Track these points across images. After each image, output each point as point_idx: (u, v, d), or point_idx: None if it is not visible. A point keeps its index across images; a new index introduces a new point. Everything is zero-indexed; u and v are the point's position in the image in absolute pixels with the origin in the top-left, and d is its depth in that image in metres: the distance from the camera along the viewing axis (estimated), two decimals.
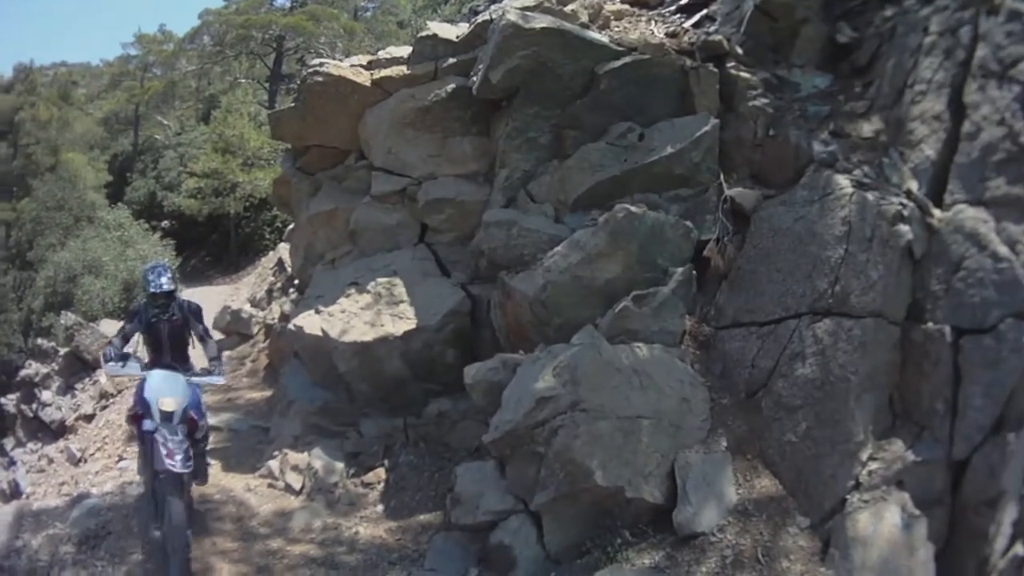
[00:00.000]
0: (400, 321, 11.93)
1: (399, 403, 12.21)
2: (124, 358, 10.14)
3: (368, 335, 11.92)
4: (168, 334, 10.46)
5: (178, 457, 9.19)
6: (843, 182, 9.69)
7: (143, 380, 9.93)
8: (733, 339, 9.94)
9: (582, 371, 9.03)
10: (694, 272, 10.35)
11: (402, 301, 12.20)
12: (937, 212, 9.38)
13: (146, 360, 10.51)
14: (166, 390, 9.69)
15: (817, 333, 9.15)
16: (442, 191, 12.72)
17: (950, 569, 8.72)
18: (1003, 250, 8.84)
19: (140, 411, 9.69)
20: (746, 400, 9.60)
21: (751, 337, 9.76)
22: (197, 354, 10.79)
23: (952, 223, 9.19)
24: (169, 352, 10.45)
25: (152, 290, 10.27)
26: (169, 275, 10.54)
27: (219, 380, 10.61)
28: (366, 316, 12.18)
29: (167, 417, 9.48)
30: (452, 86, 12.74)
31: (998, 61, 9.39)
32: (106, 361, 10.25)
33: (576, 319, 10.12)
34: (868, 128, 10.55)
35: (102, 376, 19.21)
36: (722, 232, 10.36)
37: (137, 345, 10.68)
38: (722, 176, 10.80)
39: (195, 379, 10.31)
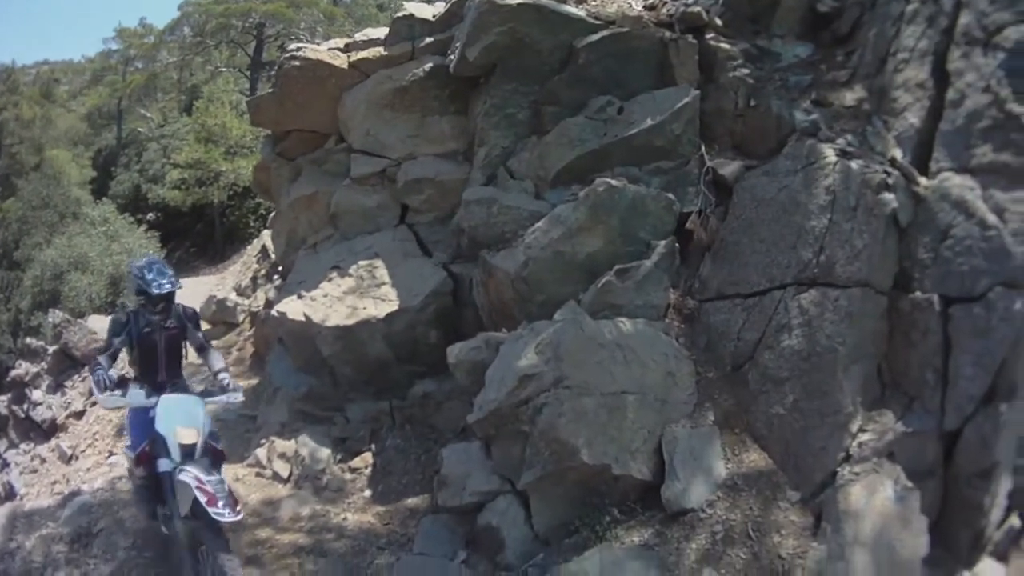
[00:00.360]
0: (382, 303, 11.84)
1: (384, 386, 12.13)
2: (121, 384, 8.57)
3: (350, 318, 11.81)
4: (165, 347, 9.02)
5: (222, 502, 7.75)
6: (826, 151, 9.61)
7: (147, 409, 8.44)
8: (718, 312, 9.84)
9: (565, 347, 8.92)
10: (677, 245, 10.23)
11: (384, 283, 12.11)
12: (923, 180, 9.32)
13: (133, 378, 9.07)
14: (181, 418, 8.30)
15: (803, 304, 9.07)
16: (421, 171, 12.65)
17: (944, 541, 8.70)
18: (991, 218, 8.80)
19: (151, 448, 8.37)
20: (732, 373, 9.51)
21: (736, 309, 9.66)
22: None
23: (938, 191, 9.14)
24: (164, 368, 9.07)
25: (154, 291, 8.71)
26: (171, 273, 9.02)
27: (239, 398, 9.03)
28: (348, 299, 12.09)
29: (188, 452, 8.16)
30: (429, 65, 12.69)
31: (982, 28, 9.34)
32: (100, 390, 8.44)
33: (558, 295, 10.01)
34: (851, 97, 10.48)
35: None
36: (704, 204, 10.29)
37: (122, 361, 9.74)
38: (703, 147, 10.72)
39: (211, 400, 8.85)
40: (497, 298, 10.81)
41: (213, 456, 8.49)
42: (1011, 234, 8.75)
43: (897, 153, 9.59)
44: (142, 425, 8.53)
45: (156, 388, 8.72)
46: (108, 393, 8.34)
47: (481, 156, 11.90)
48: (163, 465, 8.18)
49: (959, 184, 9.07)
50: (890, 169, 9.32)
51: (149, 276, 8.75)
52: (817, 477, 8.60)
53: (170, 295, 8.86)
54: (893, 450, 8.59)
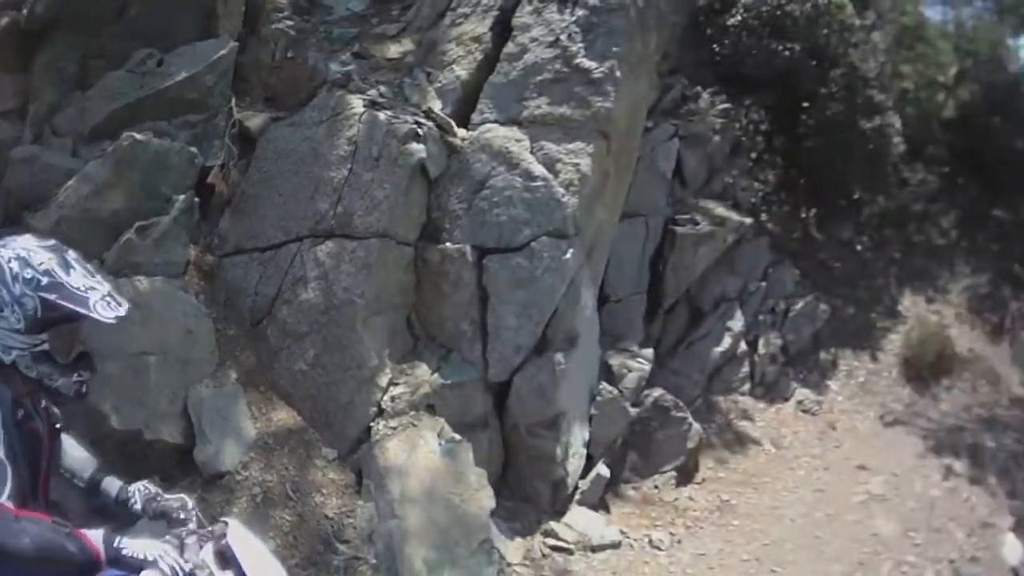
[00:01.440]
0: None
1: None
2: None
3: None
4: (49, 445, 4.35)
5: None
6: (354, 102, 9.44)
7: None
8: (236, 267, 9.57)
9: None
10: (196, 199, 9.88)
11: None
12: (462, 132, 9.37)
13: None
14: None
15: (319, 256, 8.92)
16: None
17: (521, 493, 9.09)
18: (539, 169, 9.01)
19: None
20: (252, 329, 9.28)
21: (253, 264, 9.43)
22: None
23: (478, 142, 9.25)
24: (45, 485, 4.34)
25: (104, 315, 3.93)
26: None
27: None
28: None
29: None
30: (5, 20, 11.90)
31: None
32: None
33: (89, 255, 9.08)
34: (396, 49, 10.53)
35: None
36: (227, 157, 9.99)
37: None
38: (234, 100, 10.43)
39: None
40: None
41: None
42: (562, 185, 9.02)
43: (436, 104, 9.58)
44: None
45: None
46: None
47: (31, 113, 11.26)
48: None
49: (504, 135, 9.19)
50: (423, 120, 9.22)
51: (77, 283, 3.92)
52: (351, 433, 8.50)
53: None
54: (433, 403, 8.58)
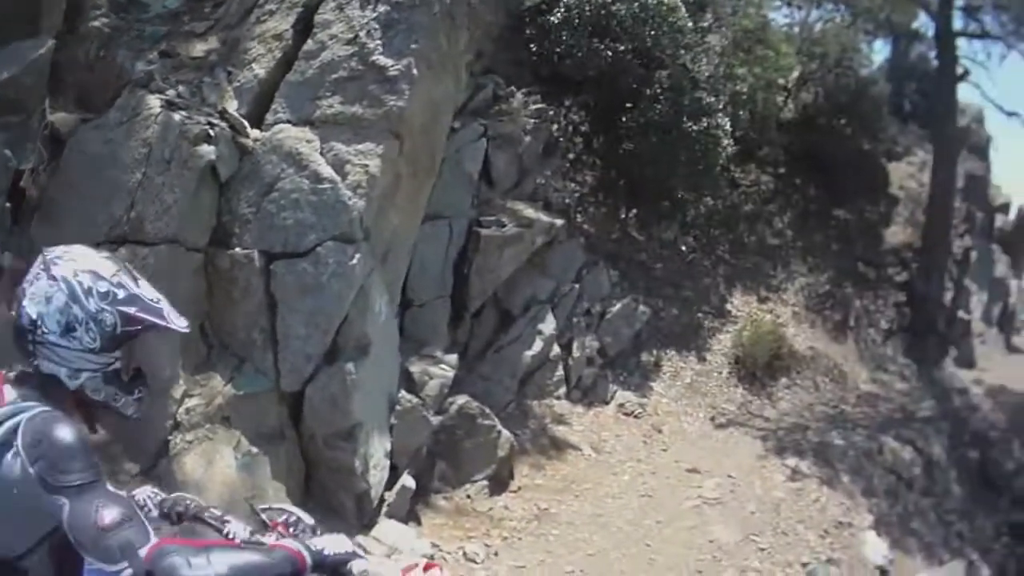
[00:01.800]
0: None
1: None
2: None
3: None
4: None
5: None
6: (153, 102, 9.31)
7: None
8: None
9: None
10: (8, 204, 9.69)
11: None
12: (255, 132, 9.30)
13: None
14: None
15: None
16: None
17: (325, 506, 9.02)
18: (327, 171, 8.96)
19: None
20: None
21: None
22: None
23: (269, 143, 9.20)
24: None
25: (179, 325, 3.45)
26: None
27: None
28: None
29: None
30: None
31: None
32: None
33: None
34: (201, 48, 10.36)
35: None
36: (38, 160, 9.86)
37: None
38: (47, 101, 10.22)
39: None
40: None
41: None
42: (350, 187, 8.96)
43: (231, 104, 9.51)
44: None
45: None
46: None
47: None
48: None
49: (295, 136, 9.14)
50: (216, 120, 9.19)
51: (149, 294, 3.45)
52: (150, 447, 8.43)
53: None
54: (228, 415, 8.61)
